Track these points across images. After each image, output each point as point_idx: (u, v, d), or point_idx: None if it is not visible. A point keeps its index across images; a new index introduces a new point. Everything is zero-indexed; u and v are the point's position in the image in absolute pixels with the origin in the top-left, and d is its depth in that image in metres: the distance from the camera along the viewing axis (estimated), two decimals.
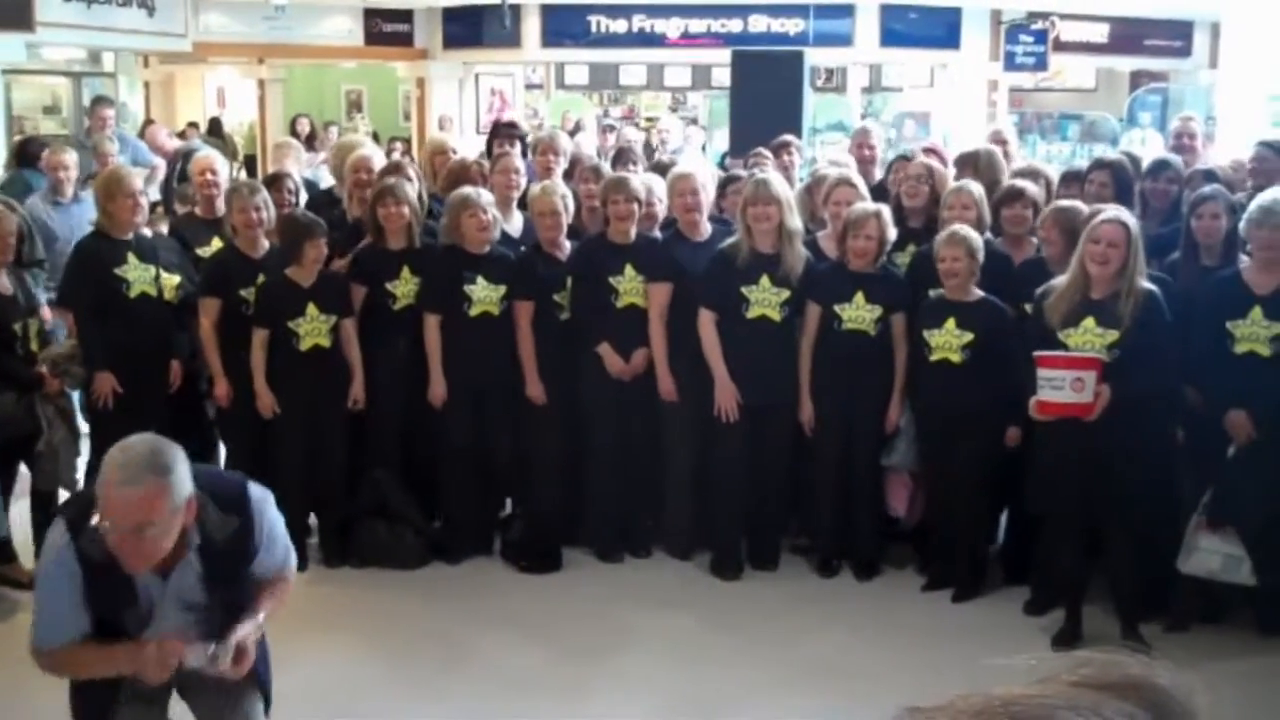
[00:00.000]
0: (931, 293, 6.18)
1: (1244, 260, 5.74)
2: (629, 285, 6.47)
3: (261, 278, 6.49)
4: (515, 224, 7.01)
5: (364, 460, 6.64)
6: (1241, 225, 5.71)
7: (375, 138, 15.59)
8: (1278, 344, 5.55)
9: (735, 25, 16.90)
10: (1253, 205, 5.70)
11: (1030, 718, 0.71)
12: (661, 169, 7.38)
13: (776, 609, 6.17)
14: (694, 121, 17.42)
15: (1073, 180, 6.99)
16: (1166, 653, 4.79)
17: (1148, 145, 11.03)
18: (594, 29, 17.33)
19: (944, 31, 17.77)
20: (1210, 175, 6.68)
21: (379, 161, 7.48)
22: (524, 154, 7.86)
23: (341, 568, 6.60)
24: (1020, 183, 6.70)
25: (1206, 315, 5.67)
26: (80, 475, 6.34)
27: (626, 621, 6.03)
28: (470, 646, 5.75)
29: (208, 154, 7.72)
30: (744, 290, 6.27)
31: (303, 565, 6.55)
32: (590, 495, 6.70)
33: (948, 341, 6.03)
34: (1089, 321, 5.45)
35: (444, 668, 5.53)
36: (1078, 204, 6.15)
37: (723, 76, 13.85)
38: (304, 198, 7.56)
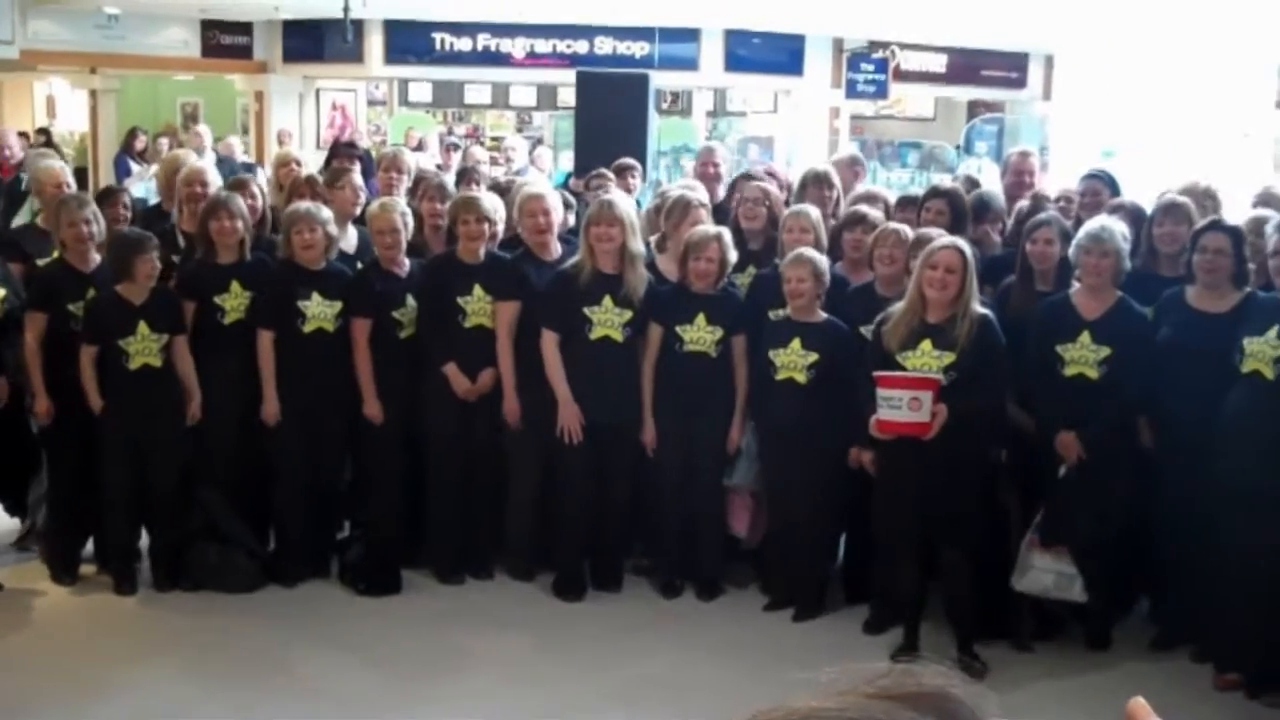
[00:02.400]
0: (776, 313, 6.24)
1: (1074, 285, 5.90)
2: (477, 305, 6.42)
3: (92, 292, 6.29)
4: (350, 240, 6.92)
5: (195, 481, 6.46)
6: (1071, 251, 5.86)
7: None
8: (1105, 367, 5.71)
9: (581, 46, 16.94)
10: (1081, 232, 5.85)
11: None
12: (500, 189, 7.33)
13: (618, 630, 6.15)
14: (539, 141, 17.39)
15: (909, 205, 7.12)
16: (1002, 671, 4.92)
17: (983, 174, 11.29)
18: (438, 46, 17.21)
19: (787, 58, 18.02)
20: (1038, 205, 6.82)
21: (213, 175, 7.33)
22: (363, 173, 7.78)
23: (172, 591, 6.40)
24: (862, 208, 6.79)
25: (1037, 339, 5.82)
26: None
27: (465, 643, 5.96)
28: (305, 670, 5.64)
29: (52, 165, 7.47)
30: (586, 311, 6.26)
31: (132, 589, 6.39)
32: (431, 516, 6.60)
33: (793, 361, 6.08)
34: (926, 344, 5.54)
35: (277, 693, 5.41)
36: (929, 230, 6.24)
37: (569, 97, 13.86)
38: None
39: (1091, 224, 5.89)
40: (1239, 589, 5.46)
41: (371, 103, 19.80)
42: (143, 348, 6.18)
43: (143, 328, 6.17)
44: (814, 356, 6.05)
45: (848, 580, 6.53)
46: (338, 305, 6.38)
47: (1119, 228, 5.85)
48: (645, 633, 6.13)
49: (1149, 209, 6.49)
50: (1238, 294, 5.69)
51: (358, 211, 7.01)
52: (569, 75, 12.87)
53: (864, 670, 0.80)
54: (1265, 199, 6.96)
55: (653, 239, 6.89)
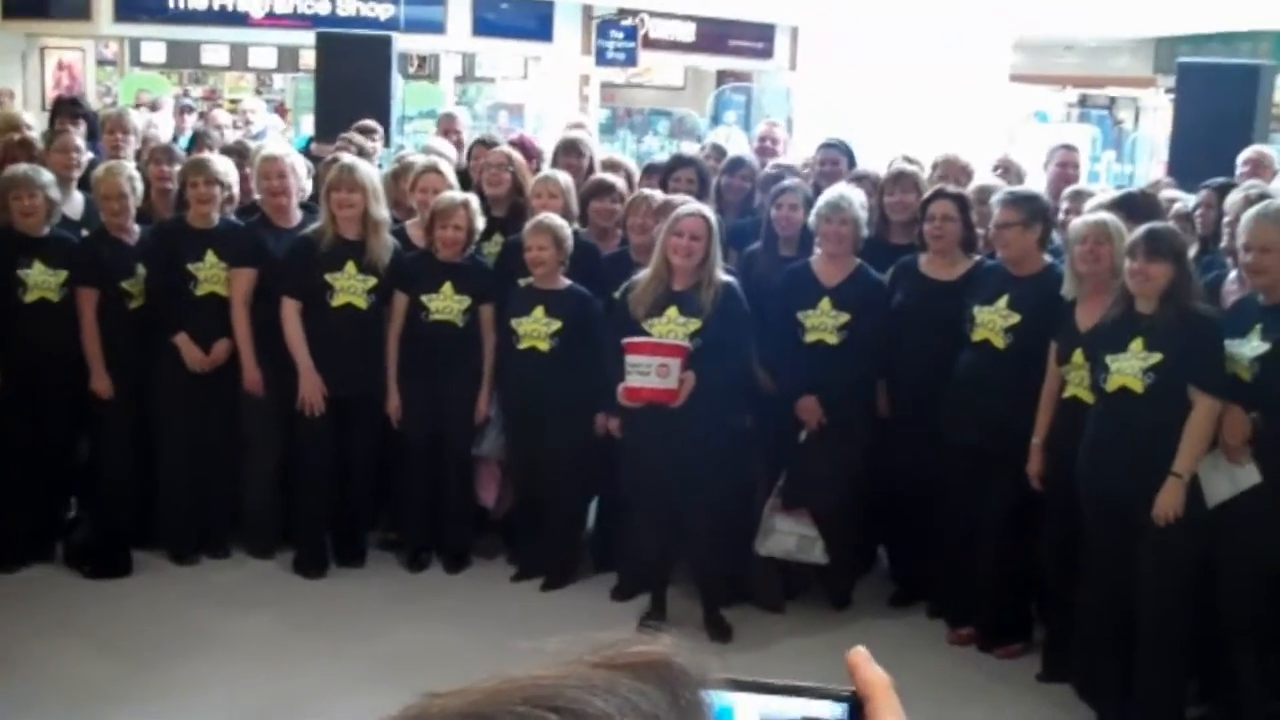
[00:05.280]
0: (521, 281, 6.18)
1: (815, 253, 6.00)
2: (209, 272, 6.19)
3: None
4: (75, 206, 6.58)
5: None
6: (811, 219, 5.96)
7: None
8: (845, 333, 5.83)
9: (323, 7, 16.46)
10: (821, 200, 5.95)
11: (543, 698, 0.71)
12: (236, 152, 7.07)
13: (363, 605, 6.04)
14: (282, 105, 16.90)
15: (653, 173, 7.18)
16: (748, 632, 4.99)
17: (732, 143, 11.44)
18: (172, 4, 16.48)
19: (536, 24, 17.91)
20: (778, 175, 6.93)
21: None
22: (91, 134, 7.39)
23: None
24: (610, 176, 6.80)
25: (779, 305, 5.90)
26: None
27: (203, 624, 5.75)
28: (27, 659, 5.34)
29: None
30: (328, 278, 6.09)
31: None
32: (163, 493, 6.36)
33: (536, 330, 6.04)
34: (672, 311, 5.57)
35: (4, 683, 5.12)
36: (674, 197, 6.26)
37: (310, 59, 13.47)
38: None
39: (830, 192, 6.00)
40: (969, 547, 5.66)
41: (101, 63, 18.88)
42: None
43: None
44: (557, 324, 6.02)
45: (596, 547, 6.55)
46: (62, 274, 6.07)
47: (857, 196, 5.97)
48: (391, 607, 6.03)
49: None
50: (968, 261, 5.88)
51: (76, 174, 6.66)
52: (311, 37, 12.51)
53: (590, 639, 0.78)
54: (1004, 166, 7.24)
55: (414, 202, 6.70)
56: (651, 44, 18.49)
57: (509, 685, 0.73)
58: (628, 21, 17.92)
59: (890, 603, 6.21)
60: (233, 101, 17.95)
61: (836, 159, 7.18)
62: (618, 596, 6.14)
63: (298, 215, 6.45)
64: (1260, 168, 7.05)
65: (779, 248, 6.26)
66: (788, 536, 5.89)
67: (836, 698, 0.83)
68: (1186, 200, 6.40)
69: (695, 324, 5.55)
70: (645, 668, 0.75)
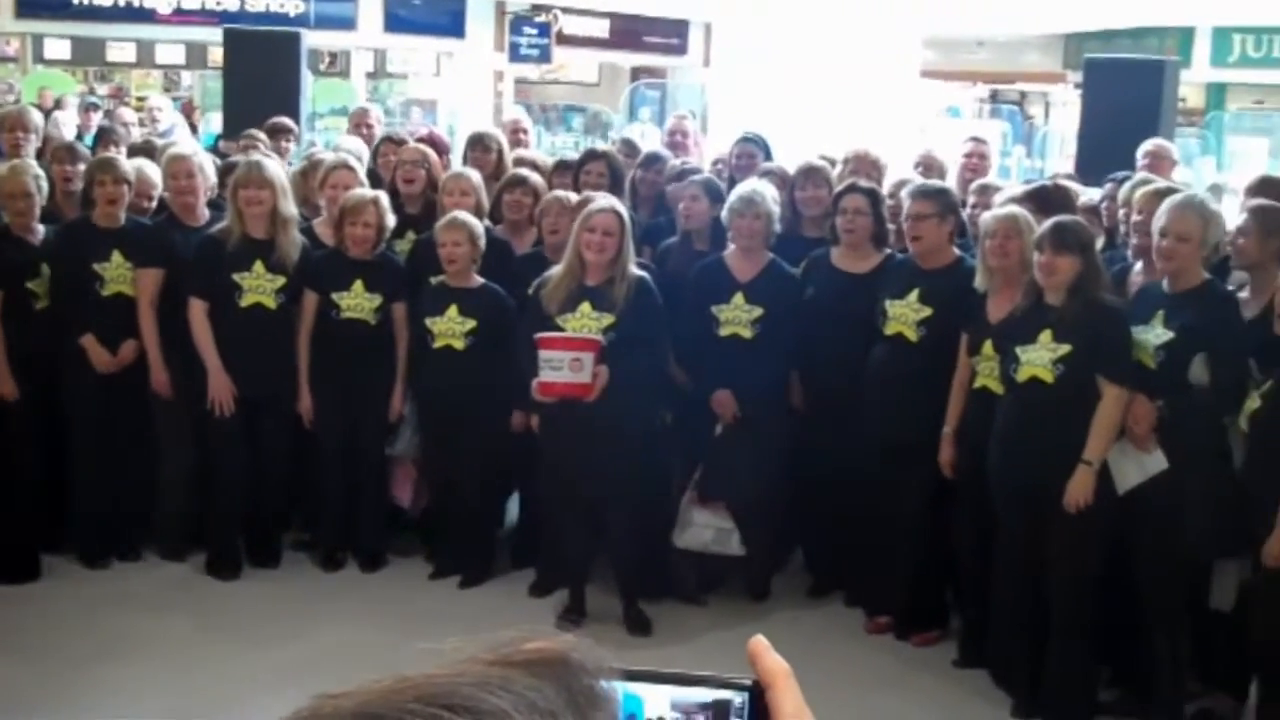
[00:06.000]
0: (433, 279, 6.15)
1: (729, 247, 6.02)
2: (116, 272, 6.09)
3: None
4: None
5: None
6: (724, 214, 5.98)
7: None
8: (758, 327, 5.85)
9: (231, 3, 16.28)
10: (733, 195, 5.98)
11: (437, 696, 0.71)
12: (143, 151, 6.96)
13: (278, 607, 5.97)
14: (190, 102, 16.66)
15: (564, 169, 7.16)
16: (668, 625, 4.99)
17: (646, 139, 11.45)
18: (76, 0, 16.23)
19: (449, 20, 17.82)
20: (687, 173, 6.93)
21: None
22: None
23: None
24: (523, 171, 6.78)
25: (693, 300, 5.92)
26: None
27: (114, 629, 5.67)
28: None
29: None
30: (236, 277, 6.02)
31: None
32: (72, 496, 6.24)
33: (450, 328, 6.01)
34: (585, 306, 5.57)
35: None
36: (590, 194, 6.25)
37: (219, 56, 13.32)
38: None
39: (743, 187, 6.03)
40: (883, 537, 5.72)
41: (2, 60, 18.54)
42: None
43: None
44: (471, 323, 5.99)
45: (515, 544, 6.53)
46: None
47: (769, 191, 6.01)
48: (308, 608, 5.98)
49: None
50: (878, 255, 5.92)
51: None
52: (218, 33, 12.37)
53: (487, 638, 0.78)
54: (926, 163, 7.30)
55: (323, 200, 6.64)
56: (565, 40, 18.48)
57: (403, 684, 0.72)
58: (541, 18, 17.89)
59: (808, 594, 6.25)
60: (139, 99, 17.68)
61: (753, 153, 7.21)
62: (536, 592, 6.12)
63: (206, 214, 6.37)
64: (1159, 160, 7.17)
65: (693, 243, 6.28)
66: (705, 529, 5.91)
67: (738, 687, 0.83)
68: (1092, 194, 6.49)
69: (609, 319, 5.55)
70: (541, 664, 0.75)
